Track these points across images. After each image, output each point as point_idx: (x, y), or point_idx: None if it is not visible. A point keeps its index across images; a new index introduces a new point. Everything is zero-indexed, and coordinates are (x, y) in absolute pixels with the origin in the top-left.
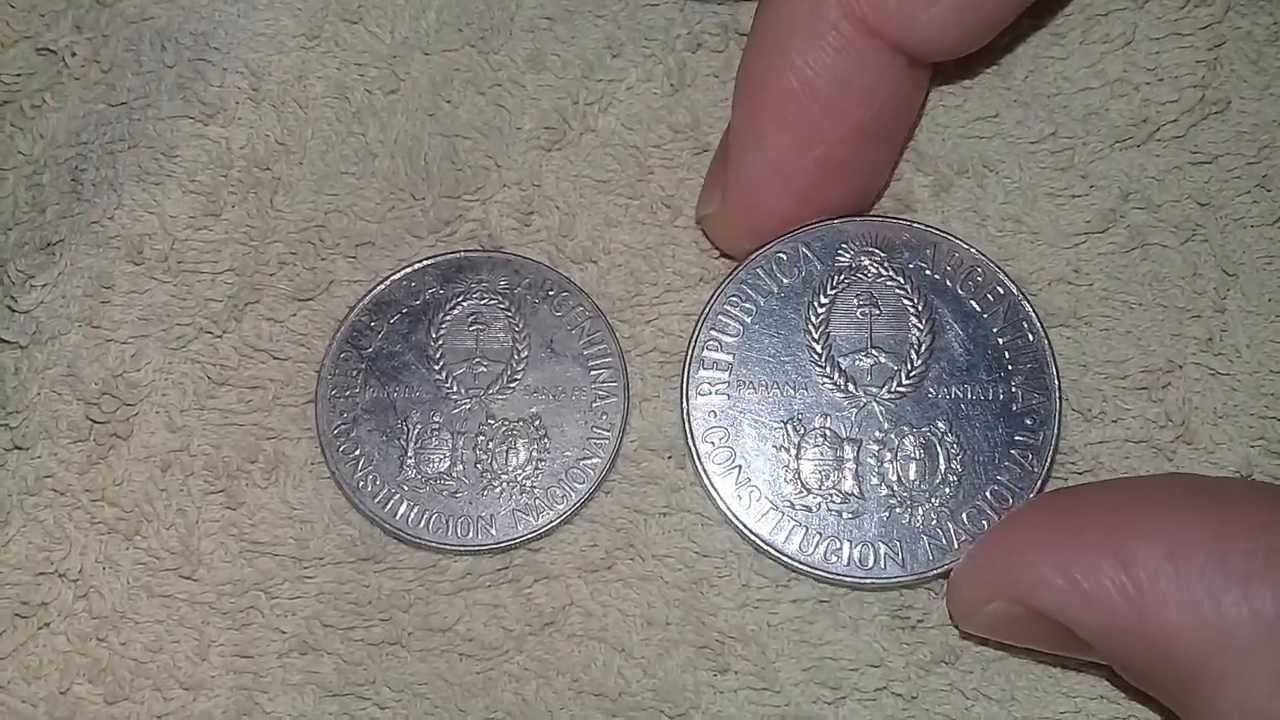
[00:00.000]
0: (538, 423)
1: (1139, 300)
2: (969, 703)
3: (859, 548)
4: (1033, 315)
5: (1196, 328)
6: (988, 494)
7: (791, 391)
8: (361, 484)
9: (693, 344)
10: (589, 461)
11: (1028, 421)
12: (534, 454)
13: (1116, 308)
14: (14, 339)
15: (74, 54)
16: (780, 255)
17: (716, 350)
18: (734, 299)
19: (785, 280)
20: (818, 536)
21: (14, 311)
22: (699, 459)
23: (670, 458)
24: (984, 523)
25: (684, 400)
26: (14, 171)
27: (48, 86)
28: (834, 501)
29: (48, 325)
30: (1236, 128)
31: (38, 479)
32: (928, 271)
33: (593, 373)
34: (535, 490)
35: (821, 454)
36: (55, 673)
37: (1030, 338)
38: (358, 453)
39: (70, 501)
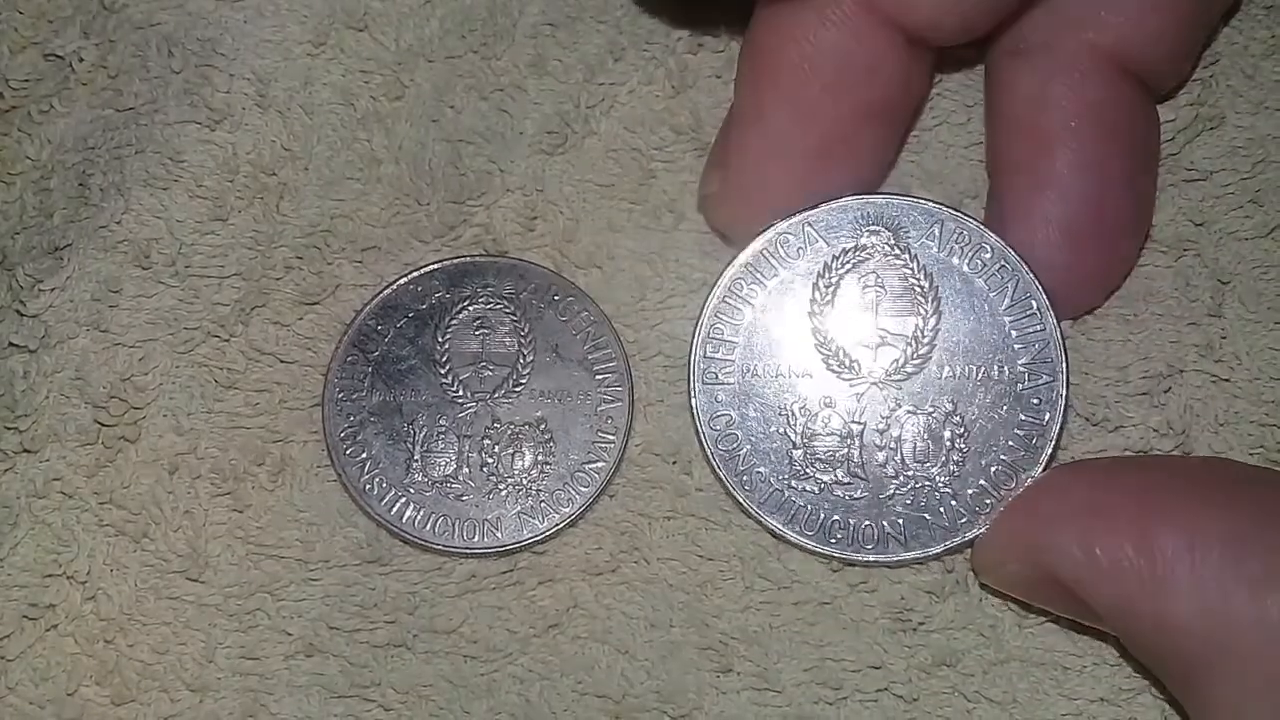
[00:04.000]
0: (543, 426)
1: (1134, 313)
2: (970, 705)
3: (864, 528)
4: (1040, 294)
5: (1195, 335)
6: (992, 473)
7: (797, 375)
8: (368, 487)
9: (699, 329)
10: (594, 465)
11: (1034, 401)
12: (539, 458)
13: (1114, 320)
14: (22, 343)
15: (81, 60)
16: (788, 237)
17: (723, 335)
18: (740, 281)
19: (791, 262)
20: (821, 516)
21: (22, 315)
22: (704, 442)
23: (675, 462)
24: (988, 502)
25: (690, 383)
26: (22, 176)
27: (55, 92)
28: (840, 482)
29: (56, 329)
30: (1231, 143)
31: (46, 482)
32: (934, 249)
33: (597, 377)
34: (540, 494)
35: (827, 436)
36: (63, 674)
37: (1038, 316)
38: (364, 456)
39: (78, 504)
